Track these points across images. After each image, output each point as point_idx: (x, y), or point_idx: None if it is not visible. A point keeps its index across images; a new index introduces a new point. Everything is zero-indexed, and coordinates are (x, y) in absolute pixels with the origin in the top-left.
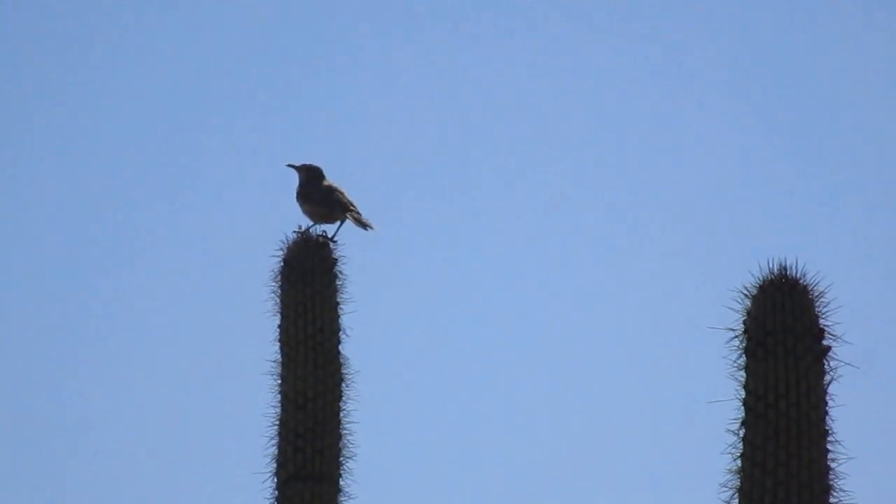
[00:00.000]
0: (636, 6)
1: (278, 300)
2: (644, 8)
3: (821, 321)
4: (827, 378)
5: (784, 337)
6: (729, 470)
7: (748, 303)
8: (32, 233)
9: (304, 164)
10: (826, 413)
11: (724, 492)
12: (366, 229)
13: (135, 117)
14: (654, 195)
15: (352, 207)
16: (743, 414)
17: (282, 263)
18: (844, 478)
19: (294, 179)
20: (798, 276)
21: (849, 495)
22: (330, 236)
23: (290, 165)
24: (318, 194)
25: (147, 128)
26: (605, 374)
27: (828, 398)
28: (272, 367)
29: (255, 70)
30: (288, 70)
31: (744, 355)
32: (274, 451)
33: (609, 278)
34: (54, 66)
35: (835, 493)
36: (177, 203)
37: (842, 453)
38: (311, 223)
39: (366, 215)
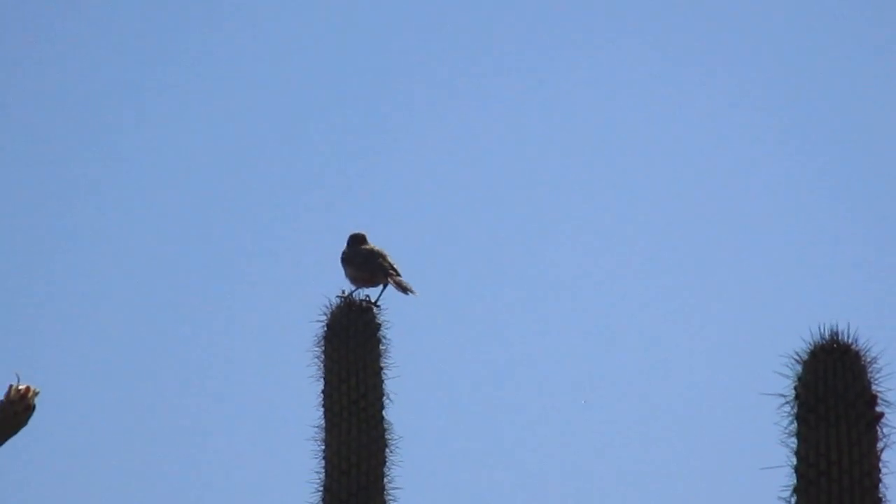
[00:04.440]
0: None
1: (321, 365)
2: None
3: (873, 387)
4: (880, 445)
5: (836, 403)
6: None
7: (800, 368)
8: (90, 290)
9: (352, 234)
10: (879, 480)
11: None
12: (407, 294)
13: (183, 178)
14: (706, 258)
15: (392, 271)
16: (795, 481)
17: (325, 328)
18: None
19: (339, 244)
20: (850, 341)
21: None
22: (373, 301)
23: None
24: (360, 258)
25: (192, 188)
26: (656, 440)
27: (881, 465)
28: (316, 432)
29: (304, 137)
30: (335, 137)
31: (795, 421)
32: None
33: (661, 343)
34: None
35: None
36: (220, 266)
37: None
38: (354, 287)
39: (408, 280)
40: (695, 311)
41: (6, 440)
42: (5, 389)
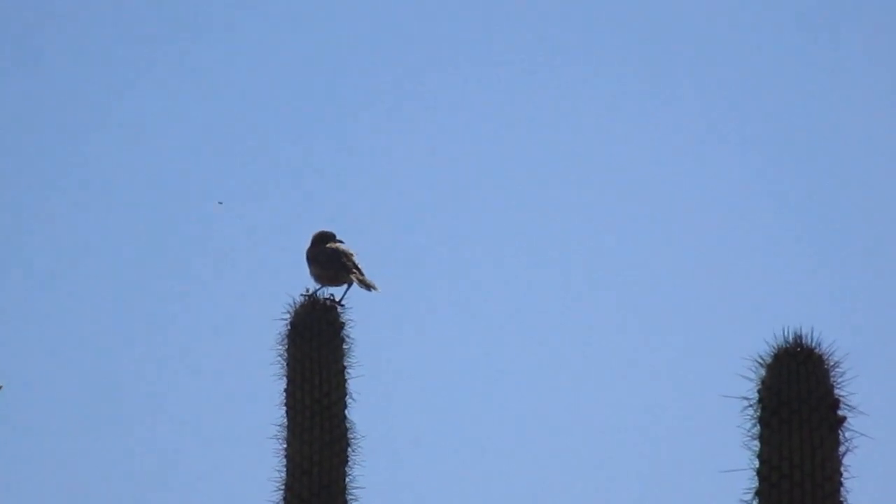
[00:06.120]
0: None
1: (284, 364)
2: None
3: (836, 391)
4: (842, 449)
5: (799, 406)
6: None
7: (763, 372)
8: (61, 305)
9: (317, 232)
10: (841, 484)
11: None
12: (370, 290)
13: (148, 174)
14: (669, 261)
15: (355, 270)
16: (757, 484)
17: (288, 326)
18: None
19: (303, 242)
20: (813, 345)
21: None
22: (337, 300)
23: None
24: (324, 257)
25: (158, 186)
26: (618, 442)
27: (843, 469)
28: (278, 431)
29: (270, 134)
30: (299, 136)
31: (758, 424)
32: None
33: (623, 346)
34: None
35: None
36: (184, 263)
37: None
38: (318, 286)
39: (371, 277)
40: (659, 313)
41: None
42: None
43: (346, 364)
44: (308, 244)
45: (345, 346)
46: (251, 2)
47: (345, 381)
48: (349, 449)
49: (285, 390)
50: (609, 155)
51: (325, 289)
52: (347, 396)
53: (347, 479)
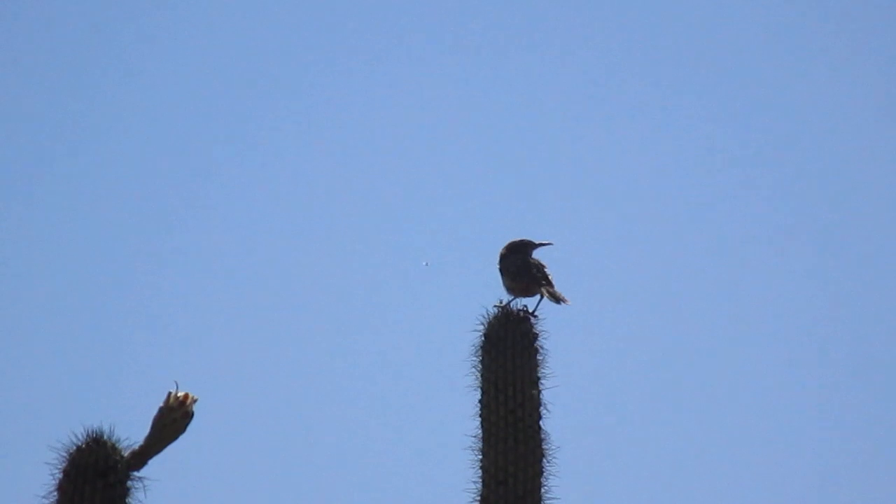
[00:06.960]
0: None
1: (479, 375)
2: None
3: None
4: None
5: None
6: None
7: None
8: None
9: (511, 242)
10: None
11: None
12: (559, 303)
13: (343, 184)
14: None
15: (544, 282)
16: None
17: (483, 338)
18: None
19: (497, 252)
20: None
21: None
22: (530, 311)
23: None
24: (515, 268)
25: (355, 195)
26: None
27: None
28: (473, 442)
29: (461, 142)
30: (493, 141)
31: None
32: None
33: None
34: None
35: None
36: (380, 276)
37: None
38: (511, 297)
39: (562, 290)
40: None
41: (165, 446)
42: (164, 396)
43: (539, 375)
44: (501, 254)
45: (539, 357)
46: None
47: (539, 392)
48: (544, 460)
49: (480, 401)
50: (787, 154)
51: (518, 300)
52: (542, 407)
53: (543, 490)
